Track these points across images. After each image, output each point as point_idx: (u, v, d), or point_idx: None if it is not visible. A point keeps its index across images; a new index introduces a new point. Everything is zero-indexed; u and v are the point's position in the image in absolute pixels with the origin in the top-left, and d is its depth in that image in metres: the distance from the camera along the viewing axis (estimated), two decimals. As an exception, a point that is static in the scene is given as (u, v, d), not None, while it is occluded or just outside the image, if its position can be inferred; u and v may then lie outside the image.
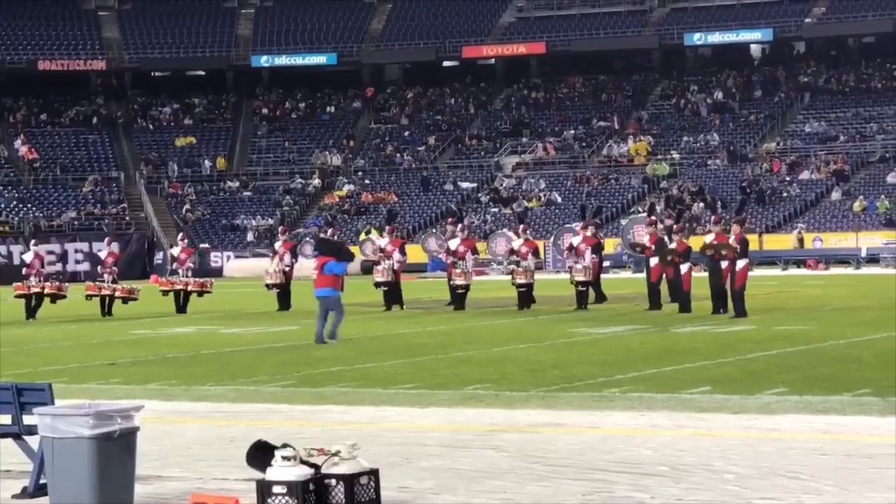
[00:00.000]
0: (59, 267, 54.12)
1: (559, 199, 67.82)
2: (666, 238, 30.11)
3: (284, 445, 8.95)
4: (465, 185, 71.24)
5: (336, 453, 8.91)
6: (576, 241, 32.91)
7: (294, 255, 35.73)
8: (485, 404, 14.75)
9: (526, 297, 31.52)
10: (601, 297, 31.97)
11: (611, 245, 50.82)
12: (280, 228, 42.53)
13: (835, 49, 77.29)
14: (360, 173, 73.66)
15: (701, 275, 32.64)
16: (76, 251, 61.88)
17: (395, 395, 15.77)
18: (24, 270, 34.56)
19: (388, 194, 70.98)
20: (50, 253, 52.92)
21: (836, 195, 63.88)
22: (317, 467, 8.85)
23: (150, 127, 79.18)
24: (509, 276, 33.54)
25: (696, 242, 31.01)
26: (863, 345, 20.44)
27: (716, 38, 75.73)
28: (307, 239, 54.60)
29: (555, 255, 54.47)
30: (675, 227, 31.24)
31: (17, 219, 68.33)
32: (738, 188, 65.53)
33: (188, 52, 79.83)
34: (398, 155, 74.96)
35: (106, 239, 37.94)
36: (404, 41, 79.50)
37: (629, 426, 12.86)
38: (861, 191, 63.71)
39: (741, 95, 75.16)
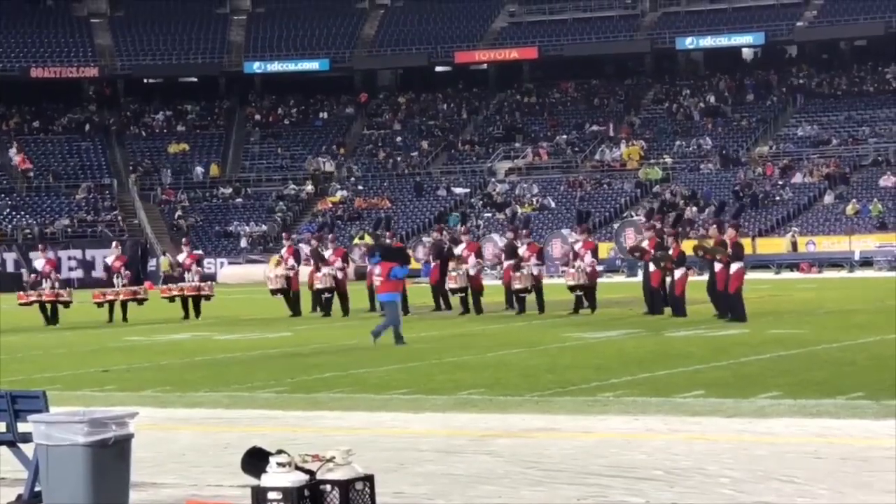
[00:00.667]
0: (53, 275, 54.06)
1: (552, 204, 67.79)
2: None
3: (279, 451, 8.95)
4: (458, 190, 71.24)
5: (331, 459, 8.91)
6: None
7: (345, 260, 35.26)
8: (479, 409, 14.77)
9: (589, 297, 31.18)
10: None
11: (604, 249, 50.76)
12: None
13: (827, 52, 77.30)
14: (352, 179, 73.66)
15: (696, 278, 32.59)
16: (69, 258, 61.83)
17: (389, 401, 15.78)
18: (33, 277, 34.86)
19: (382, 200, 70.96)
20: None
21: (828, 199, 63.90)
22: (312, 473, 8.86)
23: (143, 134, 79.04)
24: (563, 279, 33.29)
25: (688, 247, 31.01)
26: (857, 348, 20.44)
27: (708, 42, 75.73)
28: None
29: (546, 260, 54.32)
30: (669, 231, 31.13)
31: (10, 227, 68.23)
32: (730, 192, 65.52)
33: (181, 58, 79.75)
34: (391, 160, 74.96)
35: (113, 243, 38.03)
36: (397, 47, 79.44)
37: (623, 430, 12.87)
38: (854, 194, 63.70)
39: (733, 99, 75.16)
